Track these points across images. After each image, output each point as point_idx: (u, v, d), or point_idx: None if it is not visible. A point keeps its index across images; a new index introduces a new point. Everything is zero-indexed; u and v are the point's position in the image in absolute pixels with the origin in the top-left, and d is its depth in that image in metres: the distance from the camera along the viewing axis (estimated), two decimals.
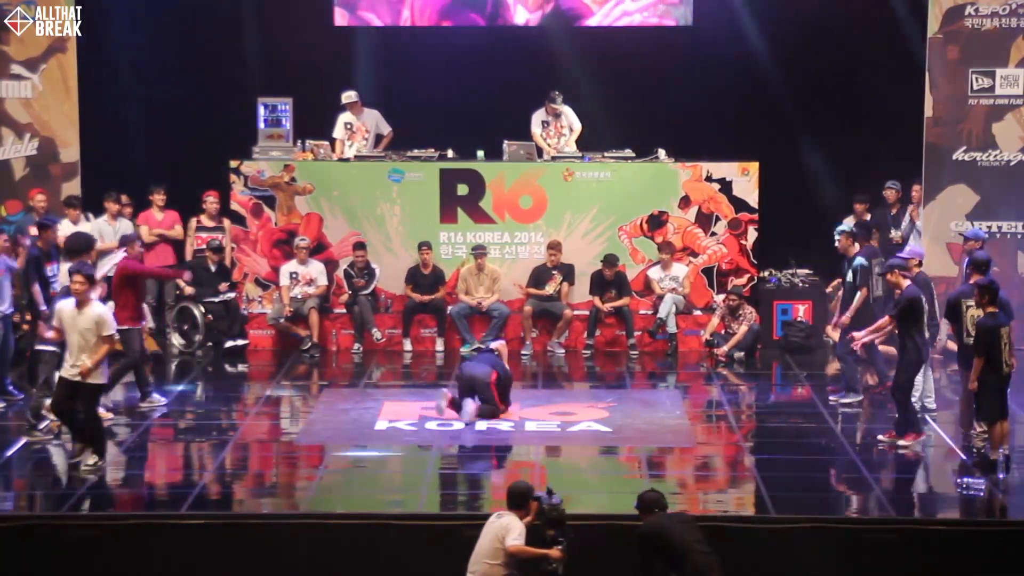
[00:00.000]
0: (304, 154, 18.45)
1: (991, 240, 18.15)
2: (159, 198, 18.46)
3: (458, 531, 11.56)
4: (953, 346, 15.79)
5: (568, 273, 18.15)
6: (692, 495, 12.88)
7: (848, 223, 17.45)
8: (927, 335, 14.16)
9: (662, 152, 18.44)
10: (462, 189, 18.37)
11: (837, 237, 15.56)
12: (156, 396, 15.39)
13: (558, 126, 18.66)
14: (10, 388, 15.32)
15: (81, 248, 14.38)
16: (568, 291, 18.16)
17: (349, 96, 18.62)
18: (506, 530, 10.44)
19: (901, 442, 13.70)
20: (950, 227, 18.19)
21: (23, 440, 13.83)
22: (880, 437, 13.89)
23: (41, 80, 18.67)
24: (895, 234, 18.11)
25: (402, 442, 14.17)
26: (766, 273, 18.74)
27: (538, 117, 18.68)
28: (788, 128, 19.42)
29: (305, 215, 18.43)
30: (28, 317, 15.55)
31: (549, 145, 18.59)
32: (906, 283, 13.80)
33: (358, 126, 18.71)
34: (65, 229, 17.10)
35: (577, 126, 18.62)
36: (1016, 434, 13.98)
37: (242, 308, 18.22)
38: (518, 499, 10.62)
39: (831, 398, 15.54)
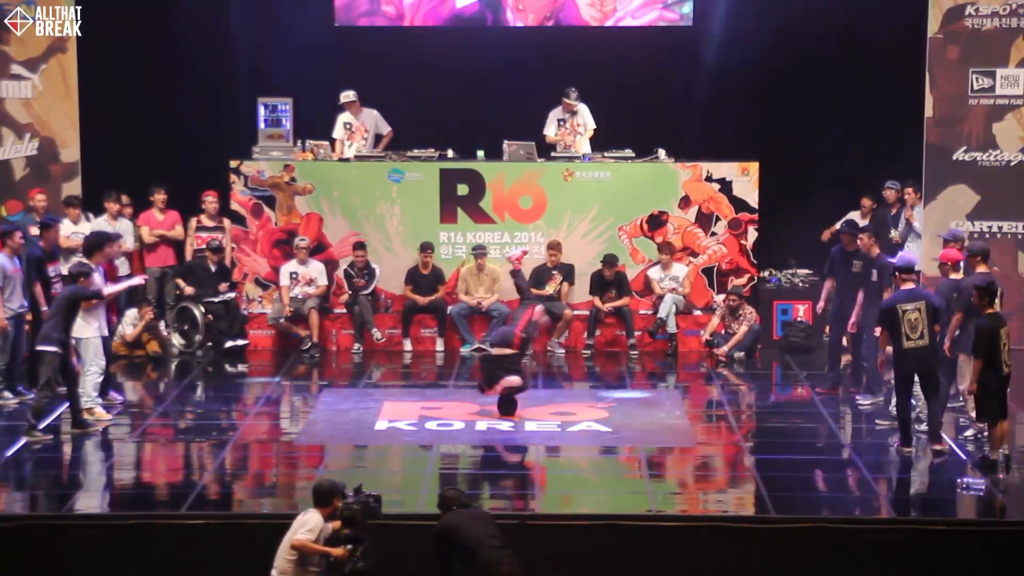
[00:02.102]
0: (304, 154, 18.45)
1: (991, 240, 18.17)
2: (160, 198, 18.42)
3: None
4: None
5: (568, 273, 18.15)
6: (692, 495, 12.89)
7: (854, 216, 17.62)
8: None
9: (662, 152, 18.44)
10: (462, 189, 18.37)
11: (860, 236, 15.47)
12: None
13: (574, 124, 18.64)
14: (19, 387, 15.32)
15: (92, 247, 14.52)
16: (568, 291, 18.16)
17: (348, 96, 18.61)
18: (301, 525, 10.49)
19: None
20: (951, 227, 18.17)
21: (23, 440, 13.83)
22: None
23: (41, 80, 18.67)
24: (894, 234, 18.11)
25: (402, 442, 14.18)
26: (766, 273, 18.75)
27: (554, 115, 18.65)
28: (788, 128, 19.42)
29: (305, 215, 18.43)
30: (29, 318, 15.55)
31: (566, 143, 18.56)
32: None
33: (357, 126, 18.70)
34: (66, 229, 17.12)
35: (591, 125, 18.58)
36: (1016, 434, 13.99)
37: (242, 308, 18.22)
38: (320, 497, 10.66)
39: (858, 398, 15.43)
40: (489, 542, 10.43)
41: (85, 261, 14.47)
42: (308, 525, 10.48)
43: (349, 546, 10.45)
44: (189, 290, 17.96)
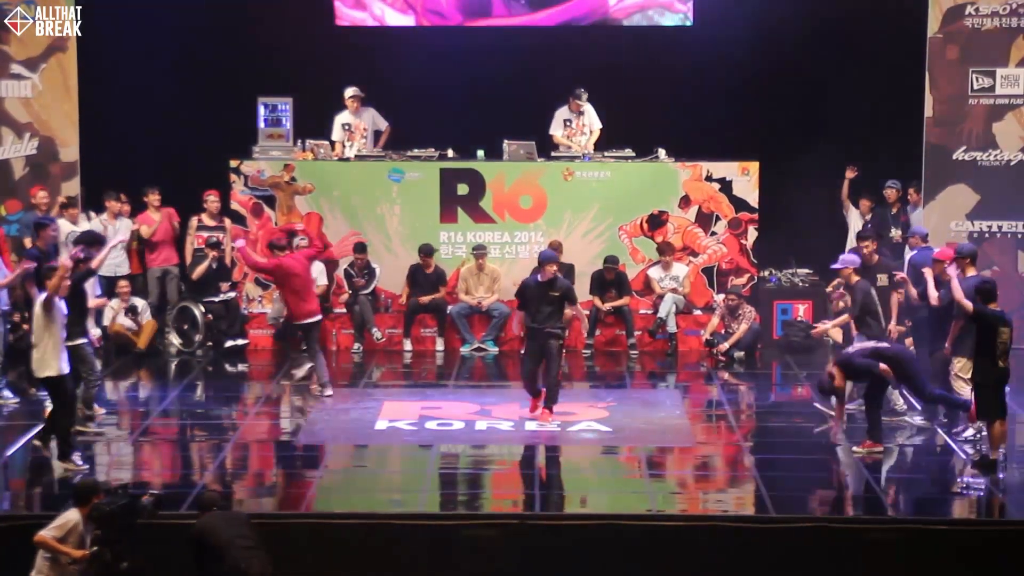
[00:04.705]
0: (304, 154, 18.45)
1: (991, 240, 18.19)
2: (154, 198, 18.41)
3: (458, 531, 11.59)
4: None
5: (568, 273, 18.12)
6: (692, 495, 12.89)
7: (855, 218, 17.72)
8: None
9: (662, 152, 18.45)
10: (462, 189, 18.37)
11: (864, 244, 15.31)
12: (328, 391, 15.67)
13: (580, 124, 18.65)
14: (5, 391, 15.29)
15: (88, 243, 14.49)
16: None
17: (353, 91, 18.57)
18: (53, 522, 10.48)
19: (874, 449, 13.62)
20: (950, 227, 18.20)
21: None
22: (855, 448, 13.77)
23: (41, 80, 18.67)
24: (895, 233, 18.12)
25: (402, 442, 14.18)
26: (766, 273, 18.75)
27: (561, 115, 18.65)
28: (788, 128, 19.42)
29: (305, 215, 18.43)
30: (16, 318, 15.54)
31: (574, 143, 18.56)
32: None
33: (356, 124, 18.69)
34: (65, 229, 17.10)
35: (597, 126, 18.60)
36: (1016, 434, 13.99)
37: (242, 308, 18.22)
38: (78, 495, 10.62)
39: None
40: (240, 543, 10.47)
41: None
42: (58, 522, 10.47)
43: (94, 548, 10.34)
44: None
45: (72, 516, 10.50)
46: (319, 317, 15.97)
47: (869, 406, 13.64)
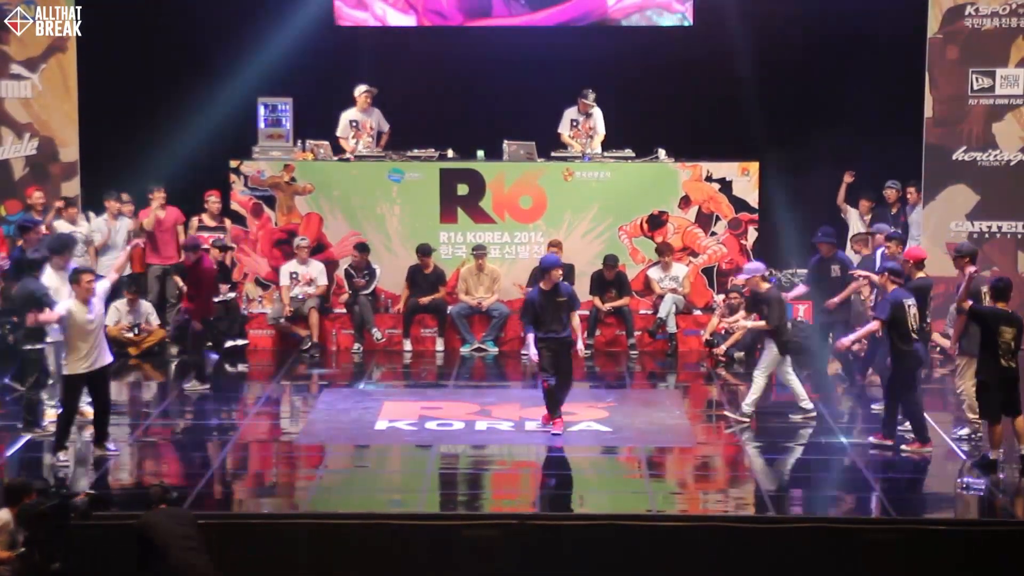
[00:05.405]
0: (304, 154, 18.46)
1: (991, 240, 18.18)
2: (160, 195, 18.40)
3: (458, 531, 11.59)
4: (944, 341, 15.83)
5: (568, 273, 18.11)
6: (692, 495, 12.89)
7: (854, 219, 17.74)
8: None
9: (662, 152, 18.45)
10: (462, 189, 18.38)
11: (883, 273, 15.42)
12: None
13: (587, 126, 18.66)
14: None
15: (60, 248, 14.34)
16: None
17: (367, 88, 18.53)
18: None
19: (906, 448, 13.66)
20: (950, 227, 18.20)
21: (26, 437, 13.84)
22: (871, 439, 13.83)
23: (41, 80, 18.68)
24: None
25: (402, 442, 14.18)
26: (766, 273, 18.70)
27: (569, 115, 18.68)
28: (788, 128, 19.42)
29: (305, 215, 18.44)
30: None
31: (579, 144, 18.57)
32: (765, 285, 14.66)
33: (363, 122, 18.69)
34: (62, 229, 17.09)
35: (601, 130, 18.61)
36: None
37: (242, 308, 18.22)
38: (8, 495, 10.59)
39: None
40: (183, 543, 10.42)
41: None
42: None
43: (22, 549, 10.25)
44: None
45: (2, 516, 10.43)
46: None
47: (888, 398, 13.62)
